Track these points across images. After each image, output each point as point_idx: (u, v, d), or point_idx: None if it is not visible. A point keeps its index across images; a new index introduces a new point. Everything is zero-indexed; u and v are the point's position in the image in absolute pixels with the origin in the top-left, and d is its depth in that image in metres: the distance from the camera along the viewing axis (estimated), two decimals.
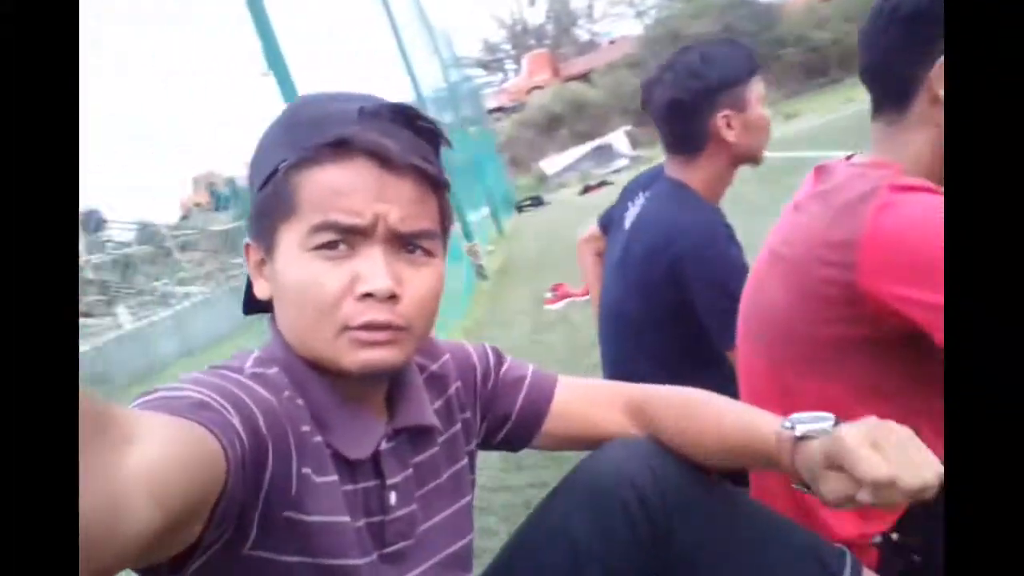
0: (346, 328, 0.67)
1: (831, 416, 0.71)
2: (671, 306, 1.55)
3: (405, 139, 0.69)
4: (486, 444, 0.92)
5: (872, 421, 0.67)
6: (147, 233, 11.66)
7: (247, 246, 0.74)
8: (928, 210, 0.83)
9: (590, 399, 0.91)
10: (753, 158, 1.57)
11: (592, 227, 1.99)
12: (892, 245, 0.83)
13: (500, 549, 0.92)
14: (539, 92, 23.88)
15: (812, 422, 0.72)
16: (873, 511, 0.93)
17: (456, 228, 6.02)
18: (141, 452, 0.43)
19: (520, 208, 11.39)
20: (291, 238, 0.67)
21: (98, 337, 7.29)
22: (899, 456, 0.63)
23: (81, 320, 8.48)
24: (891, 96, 0.95)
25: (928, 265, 0.78)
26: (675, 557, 0.84)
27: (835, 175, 0.96)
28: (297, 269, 0.67)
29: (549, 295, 4.17)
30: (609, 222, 1.85)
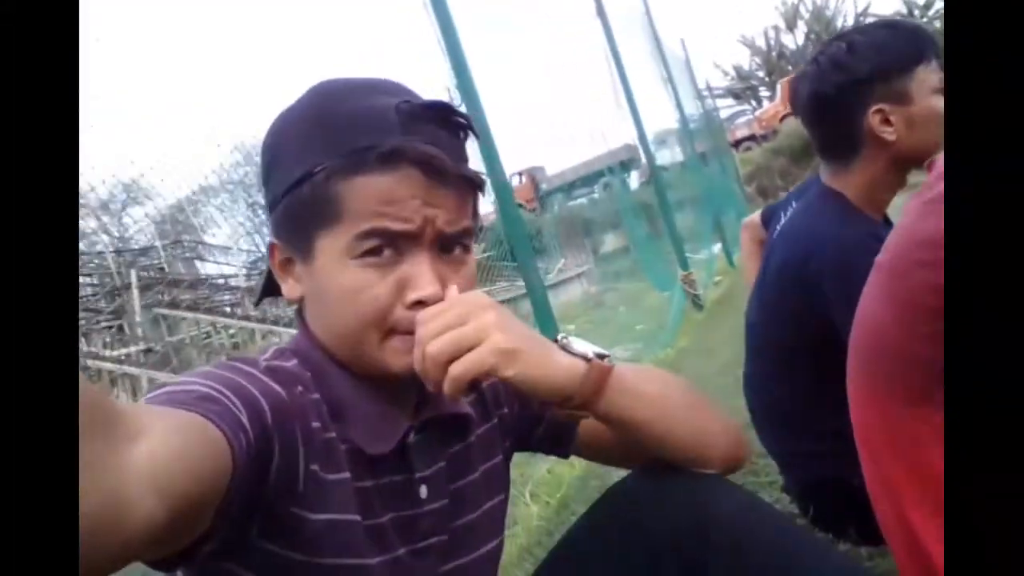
0: (393, 332, 0.68)
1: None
2: (809, 331, 1.38)
3: (446, 143, 0.69)
4: (524, 445, 0.88)
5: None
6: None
7: (272, 246, 0.74)
8: None
9: None
10: (922, 158, 1.35)
11: (755, 216, 1.88)
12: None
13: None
14: (793, 119, 22.57)
15: None
16: None
17: (673, 258, 5.88)
18: (146, 447, 0.43)
19: None
20: (334, 245, 0.68)
21: None
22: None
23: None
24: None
25: None
26: None
27: (937, 164, 0.82)
28: (343, 277, 0.68)
29: None
30: (770, 218, 1.72)
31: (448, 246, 0.71)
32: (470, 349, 0.64)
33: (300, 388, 0.67)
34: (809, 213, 1.46)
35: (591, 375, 0.69)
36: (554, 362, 0.69)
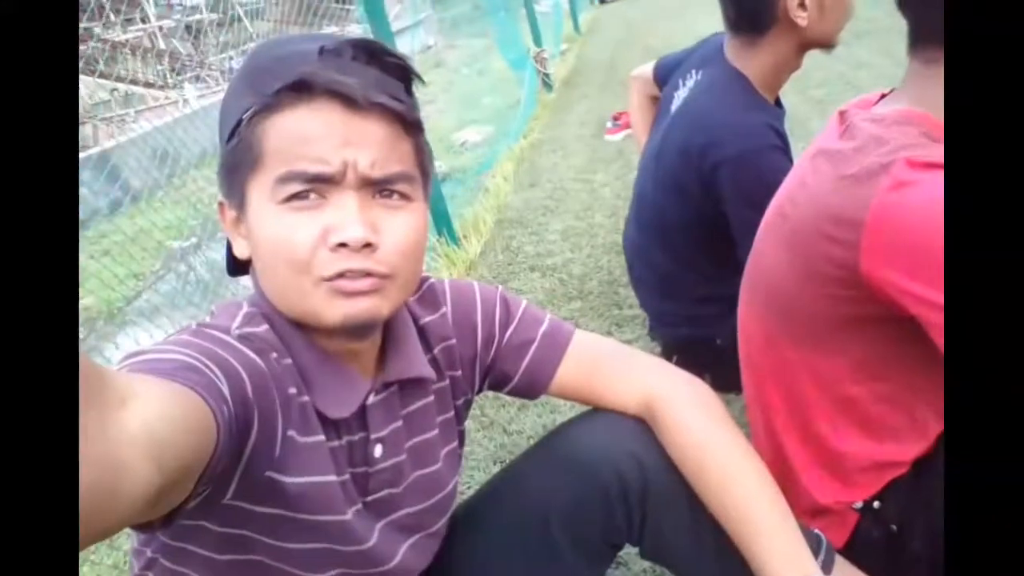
0: (322, 280, 0.64)
1: None
2: (701, 211, 1.46)
3: (370, 77, 0.64)
4: (496, 391, 0.91)
5: None
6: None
7: (221, 204, 0.70)
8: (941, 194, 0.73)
9: (603, 375, 0.87)
10: (826, 43, 1.36)
11: (646, 68, 1.84)
12: (898, 232, 0.75)
13: (468, 499, 0.96)
14: None
15: None
16: (856, 478, 0.93)
17: (525, 30, 5.61)
18: (138, 413, 0.42)
19: None
20: (260, 191, 0.64)
21: (163, 115, 7.37)
22: None
23: (147, 92, 8.55)
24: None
25: (931, 258, 0.72)
26: (648, 549, 0.86)
27: (857, 132, 0.84)
28: (268, 223, 0.64)
29: (610, 124, 3.93)
30: (666, 76, 1.69)
31: (383, 190, 0.66)
32: None
33: (275, 355, 0.66)
34: (712, 94, 1.46)
35: None
36: None
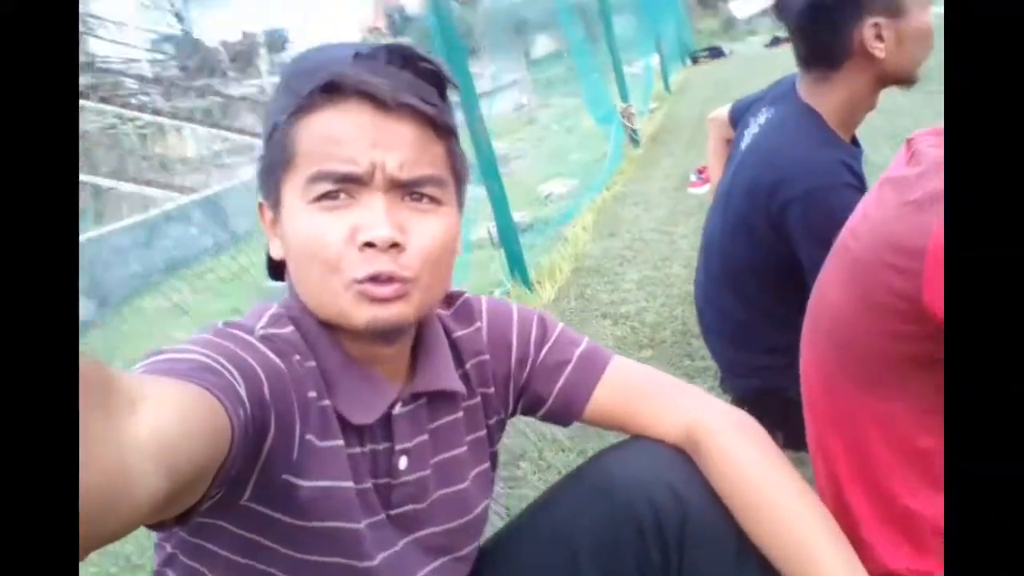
0: (352, 282, 0.64)
1: None
2: (771, 253, 1.40)
3: (401, 80, 0.64)
4: (530, 415, 0.89)
5: None
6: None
7: (260, 206, 0.72)
8: None
9: (643, 402, 0.83)
10: (904, 78, 1.30)
11: (723, 111, 1.81)
12: None
13: (499, 530, 0.92)
14: None
15: None
16: (932, 543, 0.84)
17: (612, 86, 5.72)
18: (147, 419, 0.42)
19: (695, 59, 10.54)
20: (292, 191, 0.66)
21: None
22: None
23: (256, 142, 9.05)
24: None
25: None
26: None
27: (923, 157, 0.79)
28: (299, 223, 0.65)
29: (694, 177, 3.93)
30: (739, 117, 1.67)
31: (412, 194, 0.67)
32: None
33: (297, 357, 0.66)
34: (782, 131, 1.42)
35: None
36: None
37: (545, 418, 0.88)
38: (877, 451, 0.88)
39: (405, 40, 0.63)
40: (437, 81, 0.68)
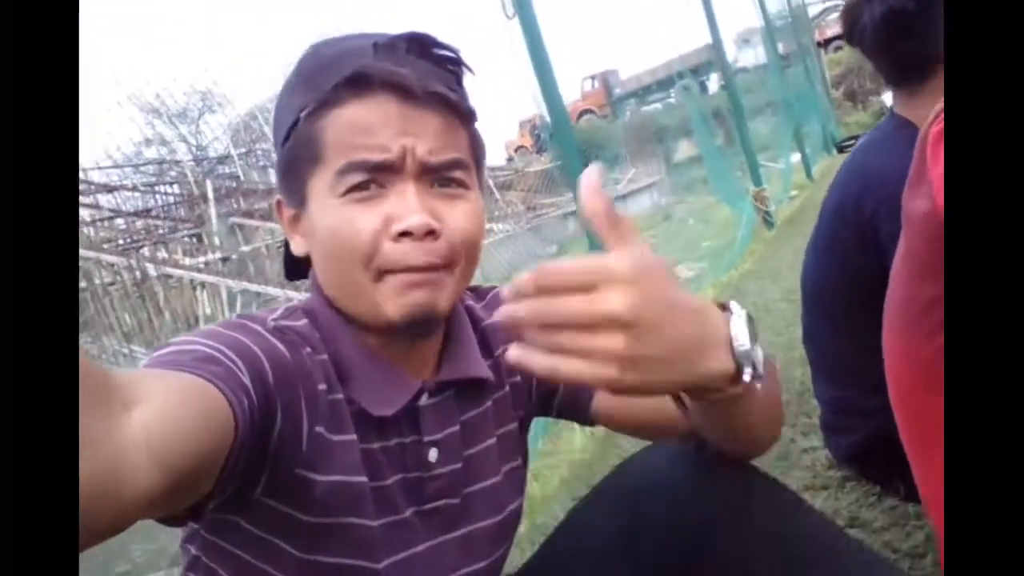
0: (386, 273, 0.65)
1: None
2: (863, 275, 1.28)
3: (424, 68, 0.66)
4: (545, 413, 0.86)
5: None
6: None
7: (278, 203, 0.73)
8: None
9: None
10: None
11: None
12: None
13: (531, 556, 0.87)
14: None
15: None
16: None
17: (745, 175, 5.64)
18: (143, 416, 0.43)
19: (841, 148, 10.18)
20: (321, 186, 0.66)
21: None
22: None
23: None
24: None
25: None
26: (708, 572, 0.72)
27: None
28: (329, 217, 0.65)
29: None
30: None
31: (441, 180, 0.67)
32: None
33: (308, 349, 0.65)
34: (872, 145, 1.35)
35: (739, 387, 0.56)
36: (703, 367, 0.53)
37: (561, 413, 0.85)
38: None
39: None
40: (455, 68, 0.70)
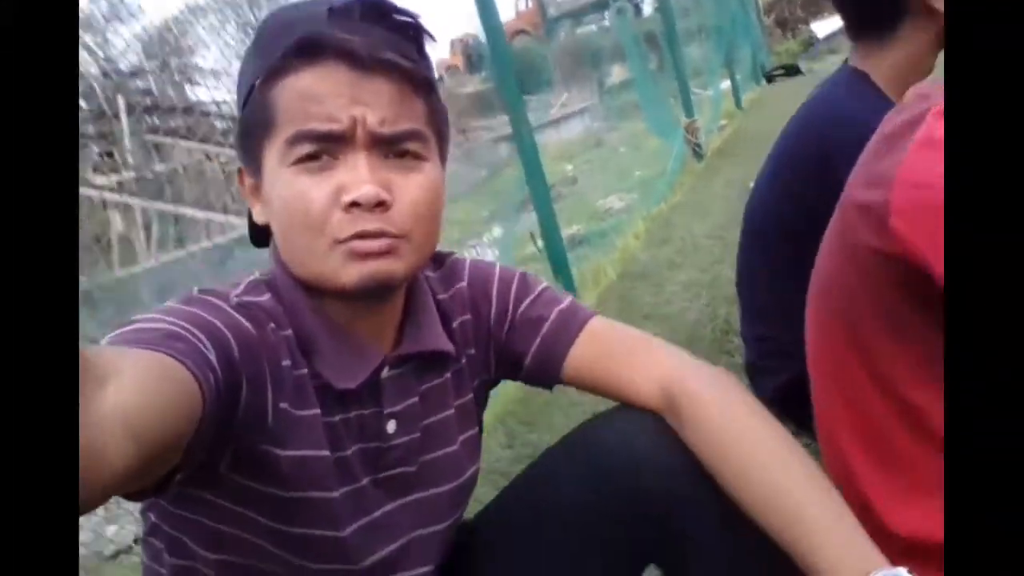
0: (337, 242, 0.64)
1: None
2: (809, 212, 1.30)
3: (377, 35, 0.64)
4: (510, 377, 0.87)
5: None
6: None
7: (240, 172, 0.72)
8: None
9: (621, 360, 0.80)
10: None
11: None
12: (926, 185, 0.66)
13: (491, 501, 0.89)
14: None
15: None
16: (928, 500, 0.77)
17: (677, 103, 5.64)
18: (116, 392, 0.43)
19: (770, 78, 10.27)
20: (273, 155, 0.65)
21: None
22: None
23: None
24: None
25: None
26: (674, 552, 0.75)
27: (907, 95, 0.79)
28: (281, 186, 0.65)
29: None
30: None
31: (396, 151, 0.66)
32: None
33: (272, 325, 0.66)
34: (828, 94, 1.35)
35: None
36: None
37: (527, 379, 0.85)
38: (873, 406, 0.83)
39: None
40: (415, 35, 0.67)
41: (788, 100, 8.80)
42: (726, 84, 7.85)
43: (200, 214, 5.77)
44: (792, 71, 10.23)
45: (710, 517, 0.71)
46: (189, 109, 9.89)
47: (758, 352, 1.57)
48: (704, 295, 2.52)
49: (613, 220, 4.33)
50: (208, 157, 8.23)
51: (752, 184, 3.78)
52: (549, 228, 2.75)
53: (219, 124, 9.86)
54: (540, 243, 2.98)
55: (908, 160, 0.68)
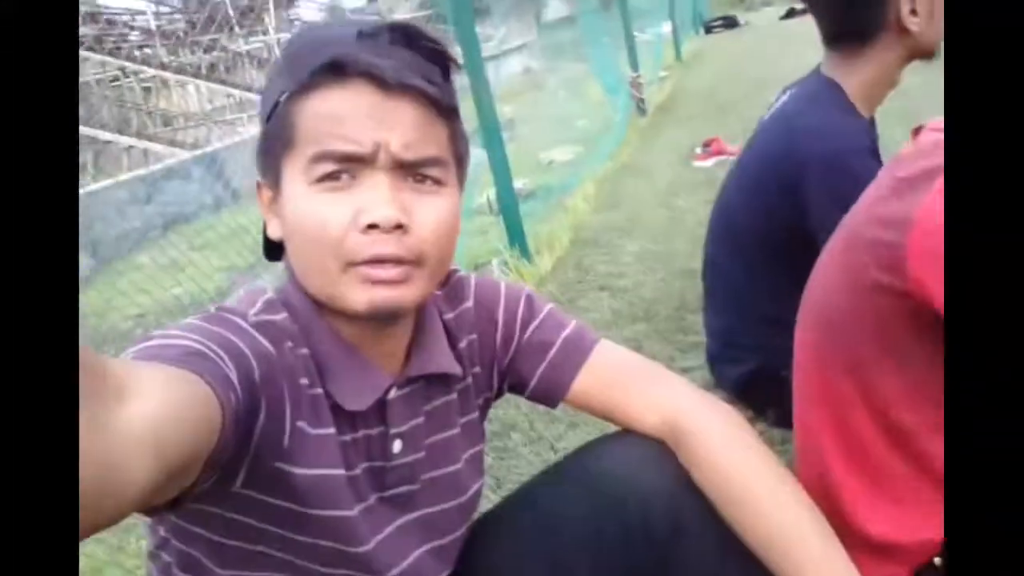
0: (352, 264, 0.64)
1: None
2: (780, 220, 1.35)
3: (405, 59, 0.63)
4: (514, 392, 0.88)
5: None
6: (336, 15, 11.87)
7: (259, 185, 0.71)
8: None
9: (625, 388, 0.82)
10: (929, 51, 1.27)
11: None
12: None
13: (485, 514, 0.91)
14: None
15: None
16: (910, 511, 0.85)
17: (623, 55, 5.63)
18: (139, 408, 0.42)
19: (708, 29, 10.36)
20: (293, 172, 0.65)
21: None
22: None
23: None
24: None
25: None
26: None
27: (923, 140, 0.80)
28: (300, 204, 0.64)
29: (700, 150, 3.87)
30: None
31: (416, 175, 0.66)
32: None
33: (289, 344, 0.66)
34: (800, 102, 1.39)
35: None
36: None
37: (530, 399, 0.87)
38: (860, 425, 0.88)
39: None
40: (441, 60, 0.67)
41: (725, 54, 8.92)
42: (666, 29, 7.84)
43: (123, 139, 5.44)
44: (730, 22, 10.34)
45: (711, 546, 0.76)
46: (97, 15, 9.16)
47: (722, 343, 1.65)
48: (658, 269, 2.59)
49: (558, 174, 4.33)
50: (125, 74, 7.69)
51: (698, 150, 3.87)
52: (506, 197, 2.74)
53: (136, 38, 9.21)
54: (495, 204, 2.98)
55: (927, 204, 0.71)
